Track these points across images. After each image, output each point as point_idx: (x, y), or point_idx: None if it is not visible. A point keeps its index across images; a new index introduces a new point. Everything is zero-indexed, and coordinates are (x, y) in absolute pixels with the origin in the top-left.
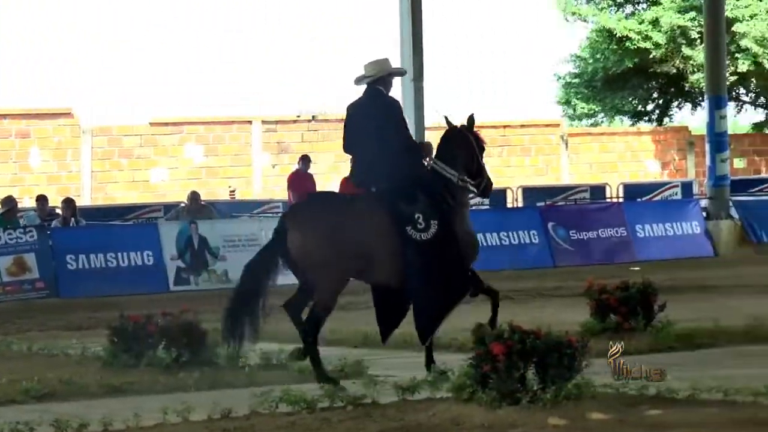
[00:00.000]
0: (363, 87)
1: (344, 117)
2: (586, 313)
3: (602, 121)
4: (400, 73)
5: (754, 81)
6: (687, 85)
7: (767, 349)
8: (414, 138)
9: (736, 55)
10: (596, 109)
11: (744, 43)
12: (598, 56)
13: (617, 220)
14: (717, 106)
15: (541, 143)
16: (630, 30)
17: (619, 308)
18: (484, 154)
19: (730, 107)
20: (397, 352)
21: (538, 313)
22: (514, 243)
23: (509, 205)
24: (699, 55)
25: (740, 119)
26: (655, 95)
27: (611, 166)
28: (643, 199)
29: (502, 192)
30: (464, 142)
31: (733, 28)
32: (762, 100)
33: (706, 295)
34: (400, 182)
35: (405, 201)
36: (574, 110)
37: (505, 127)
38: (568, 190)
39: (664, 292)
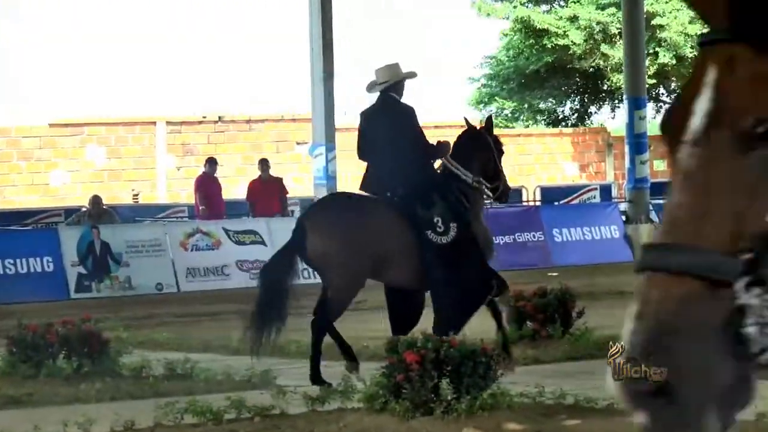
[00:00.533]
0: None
1: (358, 124)
2: None
3: (519, 121)
4: (412, 76)
5: (675, 80)
6: (606, 84)
7: None
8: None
9: (657, 49)
10: (517, 108)
11: (665, 35)
12: (514, 54)
13: (534, 224)
14: (636, 107)
15: None
16: (548, 24)
17: (536, 315)
18: (502, 158)
19: (650, 107)
20: (307, 361)
21: None
22: None
23: None
24: (618, 52)
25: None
26: (573, 95)
27: (528, 169)
28: (561, 202)
29: None
30: (482, 144)
31: (653, 22)
32: None
33: (626, 301)
34: (416, 187)
35: (423, 205)
36: (498, 110)
37: None
38: None
39: (582, 298)
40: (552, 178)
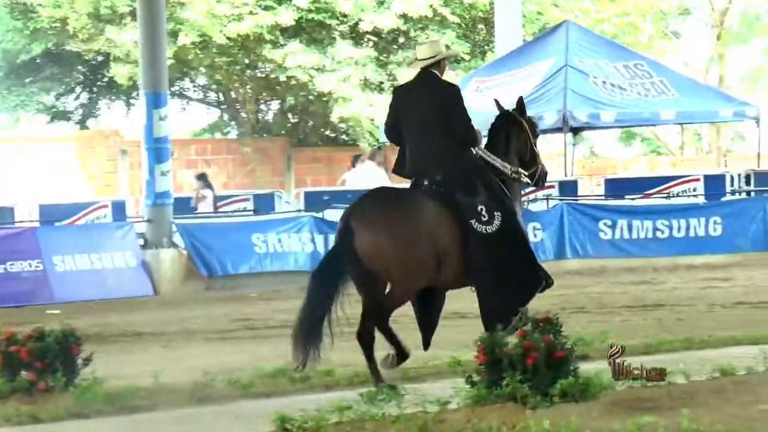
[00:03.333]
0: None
1: (391, 100)
2: None
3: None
4: (456, 55)
5: (203, 72)
6: (114, 76)
7: (222, 411)
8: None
9: (178, 26)
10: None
11: (187, 15)
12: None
13: (30, 250)
14: (156, 105)
15: None
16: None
17: (32, 363)
18: (538, 141)
19: (174, 105)
20: None
21: None
22: None
23: None
24: (128, 38)
25: (189, 120)
26: (76, 89)
27: (21, 181)
28: (63, 222)
29: None
30: (517, 129)
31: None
32: (213, 96)
33: (144, 344)
34: (456, 173)
35: (466, 193)
36: None
37: None
38: None
39: (90, 341)
40: (52, 194)
